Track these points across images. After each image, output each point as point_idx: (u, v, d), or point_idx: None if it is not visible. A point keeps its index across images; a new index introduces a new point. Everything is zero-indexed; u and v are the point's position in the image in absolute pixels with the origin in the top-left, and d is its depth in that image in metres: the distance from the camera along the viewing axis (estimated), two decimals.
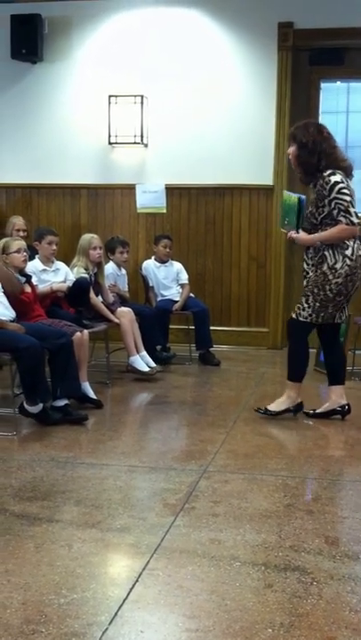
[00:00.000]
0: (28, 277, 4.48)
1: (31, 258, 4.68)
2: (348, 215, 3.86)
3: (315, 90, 6.47)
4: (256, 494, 3.05)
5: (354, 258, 3.92)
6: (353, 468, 3.46)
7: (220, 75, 6.42)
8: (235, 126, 6.38)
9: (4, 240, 4.44)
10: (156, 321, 5.61)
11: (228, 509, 2.87)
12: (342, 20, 6.07)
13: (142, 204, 6.44)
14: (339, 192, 3.86)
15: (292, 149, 4.03)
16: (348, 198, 3.86)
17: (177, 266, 6.06)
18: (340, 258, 3.91)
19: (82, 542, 2.56)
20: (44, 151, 6.71)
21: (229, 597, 2.19)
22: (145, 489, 3.15)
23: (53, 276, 4.86)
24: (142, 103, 6.41)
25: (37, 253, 4.91)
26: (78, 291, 4.85)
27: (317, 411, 4.24)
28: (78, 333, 4.37)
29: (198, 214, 6.54)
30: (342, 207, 3.86)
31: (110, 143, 6.53)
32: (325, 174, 3.89)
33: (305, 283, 4.07)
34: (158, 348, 5.63)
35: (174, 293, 5.98)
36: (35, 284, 4.57)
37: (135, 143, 6.47)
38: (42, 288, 4.69)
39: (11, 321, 4.04)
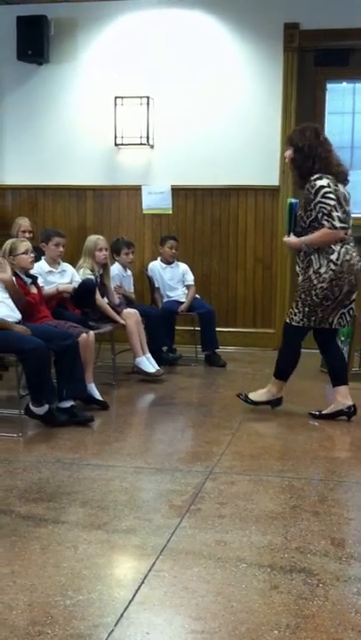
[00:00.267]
0: (34, 279, 4.49)
1: (37, 259, 4.68)
2: (330, 219, 3.90)
3: (320, 91, 6.47)
4: (262, 496, 3.05)
5: (339, 263, 3.94)
6: (359, 469, 3.45)
7: (226, 76, 6.42)
8: (240, 127, 6.38)
9: (11, 241, 4.45)
10: (161, 322, 5.61)
11: (233, 511, 2.87)
12: (348, 21, 6.07)
13: (148, 205, 6.45)
14: (323, 196, 3.90)
15: (288, 152, 4.09)
16: (331, 202, 3.90)
17: (183, 267, 6.06)
18: (325, 262, 3.95)
19: (88, 544, 2.56)
20: (49, 152, 6.72)
21: (235, 599, 2.19)
22: (151, 490, 3.15)
23: (59, 277, 4.86)
24: (148, 104, 6.42)
25: (43, 254, 4.91)
26: (84, 292, 4.86)
27: (323, 412, 4.24)
28: (84, 335, 4.37)
29: (204, 215, 6.54)
30: (325, 211, 3.91)
31: (116, 144, 6.54)
32: (312, 178, 3.95)
33: (298, 287, 4.14)
34: (164, 349, 5.64)
35: (180, 294, 5.98)
36: (41, 285, 4.58)
37: (141, 144, 6.47)
38: (48, 289, 4.70)
39: (16, 322, 4.05)
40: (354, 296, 4.13)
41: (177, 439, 4.02)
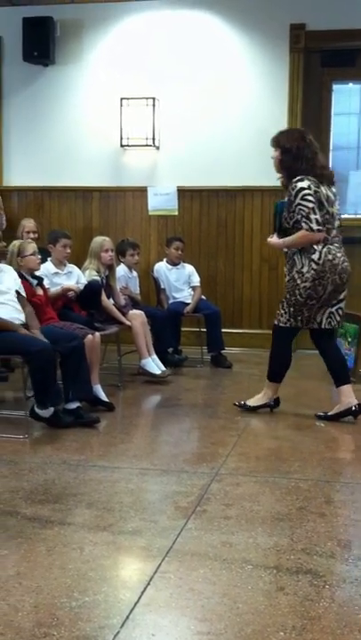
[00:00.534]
0: (40, 280, 4.50)
1: (43, 260, 4.69)
2: (308, 221, 3.94)
3: (327, 91, 6.45)
4: (268, 497, 3.04)
5: (321, 262, 3.98)
6: None
7: (232, 77, 6.41)
8: (246, 128, 6.37)
9: (18, 242, 4.48)
10: (167, 323, 5.61)
11: (239, 512, 2.86)
12: (355, 22, 6.05)
13: (154, 206, 6.45)
14: (302, 198, 3.95)
15: (275, 154, 4.14)
16: (310, 205, 3.94)
17: (189, 268, 6.06)
18: (307, 262, 4.00)
19: (93, 545, 2.55)
20: (55, 154, 6.73)
21: (241, 600, 2.18)
22: (156, 492, 3.15)
23: (66, 279, 4.87)
24: (154, 105, 6.42)
25: (49, 256, 4.92)
26: (90, 293, 4.86)
27: (329, 413, 4.23)
28: (90, 336, 4.37)
29: (210, 216, 6.54)
30: (304, 213, 3.95)
31: (122, 146, 6.54)
32: (294, 180, 4.00)
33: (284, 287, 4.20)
34: (170, 350, 5.63)
35: (186, 296, 5.98)
36: (47, 286, 4.59)
37: (147, 145, 6.48)
38: (53, 290, 4.70)
39: (22, 324, 4.05)
40: (341, 295, 4.15)
41: (183, 440, 4.02)
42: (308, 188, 3.96)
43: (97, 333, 4.50)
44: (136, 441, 3.96)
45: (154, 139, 6.46)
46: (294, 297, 4.07)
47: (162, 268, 6.02)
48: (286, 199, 4.06)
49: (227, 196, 6.48)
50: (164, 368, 5.25)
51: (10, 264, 4.29)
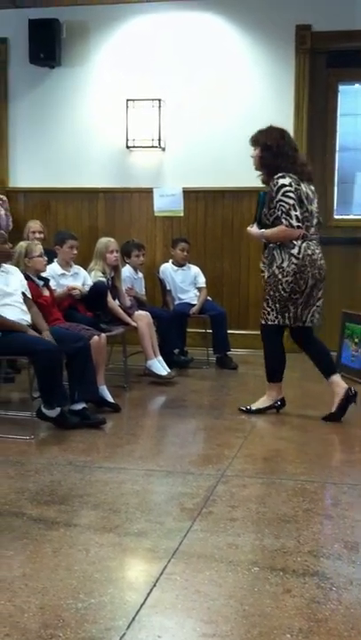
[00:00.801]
0: (46, 281, 4.50)
1: (49, 262, 4.70)
2: (288, 218, 4.00)
3: (333, 92, 6.44)
4: (274, 499, 3.03)
5: (300, 257, 4.05)
6: None
7: (238, 78, 6.41)
8: (252, 129, 6.27)
9: (25, 243, 4.49)
10: (173, 324, 5.61)
11: (246, 514, 2.85)
12: (360, 23, 6.04)
13: (160, 207, 6.45)
14: (283, 194, 4.01)
15: (255, 153, 4.20)
16: (290, 202, 4.00)
17: (194, 269, 6.06)
18: (287, 257, 4.06)
19: (99, 547, 2.55)
20: (61, 155, 6.74)
21: (247, 602, 2.18)
22: (162, 493, 3.15)
23: (72, 280, 4.87)
24: (159, 107, 6.42)
25: (55, 257, 4.92)
26: (96, 294, 4.86)
27: (333, 410, 4.21)
28: (96, 337, 4.37)
29: (215, 217, 6.54)
30: (284, 209, 4.01)
31: (128, 147, 6.55)
32: (276, 177, 4.05)
33: (263, 285, 4.23)
34: (176, 351, 5.63)
35: (192, 297, 5.98)
36: (53, 287, 4.59)
37: (152, 147, 6.48)
38: (59, 291, 4.71)
39: (28, 325, 4.06)
40: (320, 293, 4.21)
41: (188, 442, 4.01)
42: (290, 185, 4.02)
43: (103, 334, 4.50)
44: (142, 442, 3.96)
45: (159, 140, 6.46)
46: (278, 293, 4.11)
47: (168, 269, 6.02)
48: (268, 195, 4.12)
49: (232, 197, 6.47)
50: (169, 369, 5.24)
51: (17, 265, 4.29)
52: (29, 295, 4.19)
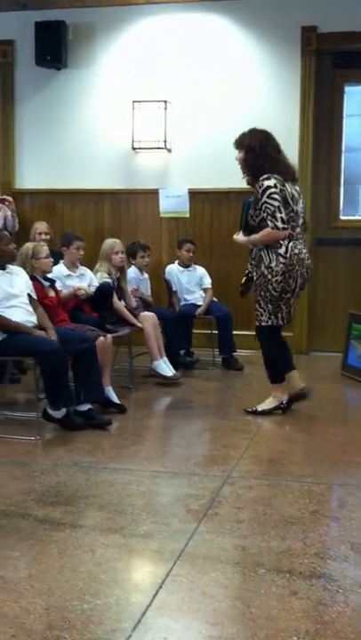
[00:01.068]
0: (52, 282, 4.51)
1: (55, 263, 4.70)
2: (273, 220, 4.04)
3: (338, 93, 6.43)
4: (281, 500, 3.02)
5: (288, 256, 4.08)
6: None
7: (243, 79, 6.40)
8: None
9: (32, 245, 4.51)
10: (179, 325, 5.60)
11: (252, 516, 2.84)
12: None
13: (165, 208, 6.45)
14: (268, 196, 4.04)
15: (240, 155, 4.25)
16: (275, 203, 4.03)
17: (200, 270, 6.05)
18: (275, 257, 4.09)
19: (105, 548, 2.55)
20: (68, 157, 6.75)
21: (254, 605, 2.17)
22: (168, 494, 3.14)
23: (78, 281, 4.87)
24: (165, 108, 6.42)
25: (61, 258, 4.93)
26: (102, 295, 4.86)
27: (284, 402, 4.33)
28: (102, 338, 4.37)
29: (221, 218, 6.53)
30: (269, 211, 4.04)
31: (134, 148, 6.55)
32: (261, 178, 4.09)
33: (253, 287, 4.28)
34: (182, 352, 5.62)
35: (197, 298, 5.97)
36: (59, 289, 4.59)
37: (158, 148, 6.48)
38: (65, 292, 4.71)
39: (34, 326, 4.06)
40: (301, 292, 4.29)
41: (194, 443, 4.00)
42: (275, 186, 4.05)
43: (108, 335, 4.50)
44: (147, 443, 3.95)
45: (165, 141, 6.46)
46: (269, 293, 4.13)
47: (173, 270, 6.01)
48: (253, 197, 4.15)
49: (238, 199, 6.42)
50: (175, 370, 5.24)
51: (23, 266, 4.30)
52: (35, 296, 4.19)
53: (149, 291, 5.84)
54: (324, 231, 6.47)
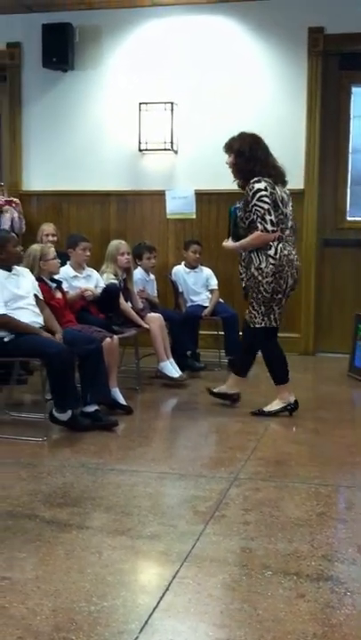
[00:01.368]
0: (59, 283, 4.51)
1: (62, 264, 4.71)
2: (263, 222, 4.08)
3: (345, 94, 6.42)
4: (288, 502, 3.01)
5: (277, 257, 4.12)
6: None
7: (250, 81, 6.40)
8: (264, 132, 6.21)
9: (40, 246, 4.53)
10: (185, 326, 5.60)
11: (259, 517, 2.84)
12: None
13: (172, 209, 6.45)
14: (258, 199, 4.08)
15: (230, 159, 4.29)
16: (265, 206, 4.06)
17: (207, 271, 6.05)
18: (264, 258, 4.14)
19: (112, 549, 2.54)
20: (74, 158, 6.76)
21: (261, 607, 2.16)
22: (175, 496, 3.13)
23: (85, 282, 4.87)
24: (172, 110, 6.43)
25: (67, 259, 4.93)
26: (108, 297, 4.86)
27: (214, 390, 4.50)
28: (108, 339, 4.37)
29: (227, 220, 6.50)
30: (259, 214, 4.08)
31: (140, 150, 6.55)
32: (252, 181, 4.13)
33: (245, 290, 4.32)
34: (188, 353, 5.62)
35: (204, 299, 5.97)
36: (66, 290, 4.60)
37: (165, 150, 6.48)
38: (72, 293, 4.71)
39: (40, 328, 4.07)
40: (292, 292, 4.33)
41: (201, 444, 4.00)
42: (265, 189, 4.09)
43: (115, 336, 4.50)
44: (154, 444, 3.95)
45: (172, 143, 6.46)
46: (261, 294, 4.17)
47: (180, 271, 6.01)
48: (240, 203, 4.20)
49: None
50: (181, 372, 5.23)
51: (31, 268, 4.31)
52: (41, 296, 4.20)
53: (156, 292, 5.84)
54: (331, 232, 6.46)
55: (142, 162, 6.66)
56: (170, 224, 6.59)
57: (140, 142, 6.51)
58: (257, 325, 4.26)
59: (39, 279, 4.28)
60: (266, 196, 4.08)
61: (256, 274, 4.16)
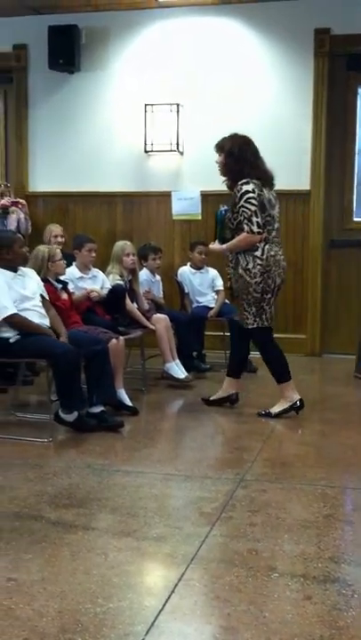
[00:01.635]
0: (65, 284, 4.51)
1: (68, 265, 4.71)
2: (249, 224, 4.11)
3: (352, 95, 6.41)
4: (294, 504, 3.00)
5: (264, 258, 4.16)
6: None
7: (256, 82, 6.40)
8: (270, 133, 6.32)
9: (47, 247, 4.54)
10: (191, 327, 5.59)
11: (265, 519, 2.83)
12: None
13: (178, 211, 6.45)
14: (246, 201, 4.11)
15: (220, 159, 4.31)
16: (252, 208, 4.10)
17: (212, 272, 6.04)
18: (251, 259, 4.17)
19: (118, 551, 2.54)
20: (80, 160, 6.77)
21: (268, 609, 2.15)
22: (181, 497, 3.13)
23: (91, 283, 4.88)
24: (178, 111, 6.43)
25: (73, 260, 4.94)
26: (114, 298, 4.87)
27: (211, 398, 4.53)
28: (114, 340, 4.37)
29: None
30: (246, 215, 4.11)
31: (146, 151, 6.56)
32: (240, 183, 4.16)
33: (235, 292, 4.34)
34: (194, 354, 5.61)
35: (210, 300, 5.96)
36: (71, 291, 4.60)
37: (171, 151, 6.48)
38: (78, 294, 4.72)
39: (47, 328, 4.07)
40: (279, 291, 4.37)
41: (207, 446, 3.99)
42: (253, 191, 4.12)
43: (121, 337, 4.50)
44: (160, 446, 3.94)
45: (178, 144, 6.47)
46: (250, 295, 4.20)
47: (186, 272, 6.01)
48: (226, 206, 4.25)
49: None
50: (187, 372, 5.23)
51: (39, 268, 4.31)
52: (47, 296, 4.20)
53: (161, 293, 5.84)
54: (337, 233, 6.45)
55: (148, 163, 6.66)
56: (176, 225, 6.59)
57: (145, 143, 6.52)
58: (250, 326, 4.28)
59: (45, 280, 4.28)
60: (253, 198, 4.11)
61: (244, 275, 4.19)
